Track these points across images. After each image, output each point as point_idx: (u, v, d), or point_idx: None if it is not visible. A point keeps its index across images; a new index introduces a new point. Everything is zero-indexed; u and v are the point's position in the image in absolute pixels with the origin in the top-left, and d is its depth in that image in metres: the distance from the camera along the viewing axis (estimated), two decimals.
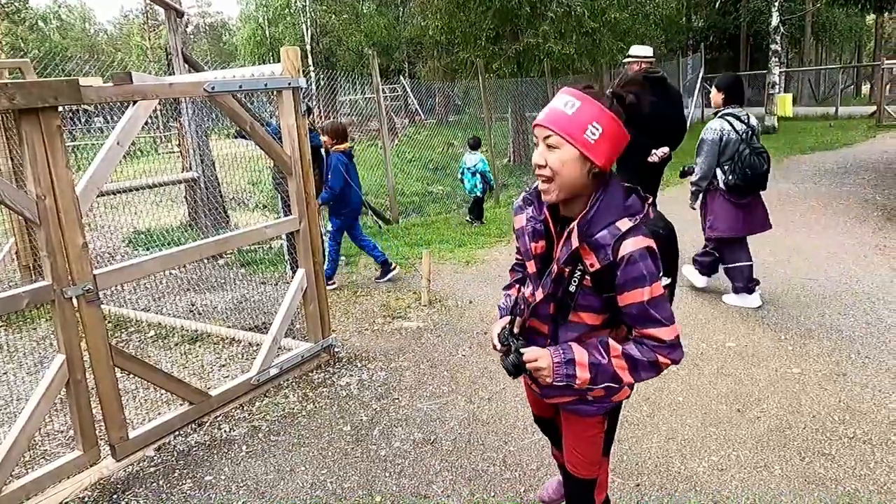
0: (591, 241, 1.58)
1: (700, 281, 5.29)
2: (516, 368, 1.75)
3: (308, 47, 32.66)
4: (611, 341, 1.67)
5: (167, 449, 3.25)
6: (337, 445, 3.22)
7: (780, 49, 18.36)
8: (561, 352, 1.68)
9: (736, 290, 4.93)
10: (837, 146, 14.33)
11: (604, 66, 16.36)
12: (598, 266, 1.58)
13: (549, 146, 1.55)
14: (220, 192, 10.62)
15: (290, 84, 3.71)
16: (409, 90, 23.90)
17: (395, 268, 6.10)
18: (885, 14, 30.23)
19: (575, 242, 1.59)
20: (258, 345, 4.19)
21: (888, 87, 18.43)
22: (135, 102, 3.01)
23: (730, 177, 4.60)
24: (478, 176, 8.73)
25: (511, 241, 7.44)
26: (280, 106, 3.75)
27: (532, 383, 1.94)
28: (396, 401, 3.65)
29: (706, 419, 3.31)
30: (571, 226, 1.61)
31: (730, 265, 4.90)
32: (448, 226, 8.83)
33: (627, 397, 1.91)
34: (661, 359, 1.64)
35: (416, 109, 23.01)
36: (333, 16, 32.52)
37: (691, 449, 3.05)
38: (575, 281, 1.63)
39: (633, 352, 1.64)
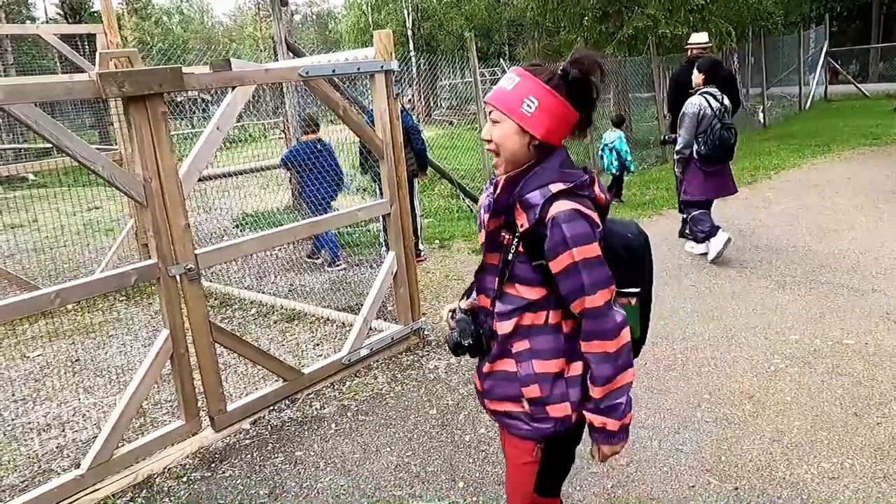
0: (523, 199, 1.55)
1: (699, 248, 5.79)
2: (456, 347, 1.75)
3: (409, 32, 33.04)
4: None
5: (262, 423, 3.38)
6: (422, 428, 3.24)
7: None
8: (600, 436, 1.60)
9: (696, 240, 5.73)
10: None
11: (713, 47, 15.45)
12: (527, 226, 1.53)
13: (492, 121, 1.59)
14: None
15: (382, 67, 3.72)
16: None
17: (342, 265, 6.21)
18: None
19: (506, 193, 1.58)
20: (351, 325, 4.28)
21: None
22: (233, 89, 3.11)
23: (702, 147, 5.23)
24: (613, 153, 8.56)
25: None
26: (373, 89, 3.77)
27: (477, 377, 1.81)
28: None
29: (817, 422, 3.05)
30: (500, 177, 1.63)
31: (690, 221, 5.63)
32: None
33: (570, 425, 1.62)
34: (598, 341, 1.52)
35: None
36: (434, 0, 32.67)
37: (798, 453, 2.82)
38: (512, 248, 1.58)
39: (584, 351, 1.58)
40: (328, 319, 4.80)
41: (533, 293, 1.60)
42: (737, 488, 2.62)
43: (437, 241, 6.99)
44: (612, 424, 1.56)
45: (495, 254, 1.63)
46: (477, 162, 10.94)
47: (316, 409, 3.50)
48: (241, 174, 7.02)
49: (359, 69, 3.62)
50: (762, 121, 15.83)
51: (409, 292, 4.15)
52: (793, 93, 18.90)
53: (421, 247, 6.44)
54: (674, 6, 13.65)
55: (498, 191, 1.62)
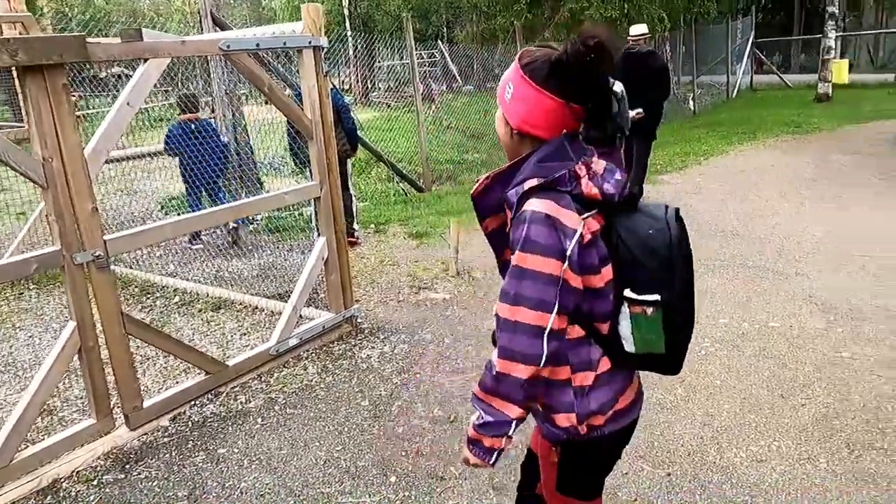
0: (506, 198, 1.44)
1: None
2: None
3: (346, 11, 32.32)
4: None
5: (182, 419, 3.19)
6: (354, 421, 3.12)
7: (837, 11, 17.37)
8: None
9: None
10: None
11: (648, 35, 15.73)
12: (510, 226, 1.44)
13: None
14: (252, 158, 10.59)
15: (310, 43, 3.53)
16: (447, 55, 23.45)
17: (199, 244, 6.19)
18: None
19: (497, 191, 1.48)
20: (280, 314, 4.10)
21: None
22: (146, 61, 2.88)
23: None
24: None
25: None
26: (301, 66, 3.58)
27: None
28: (417, 376, 3.53)
29: (745, 405, 3.09)
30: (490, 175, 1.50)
31: None
32: None
33: (581, 436, 1.48)
34: (495, 350, 1.39)
35: (455, 75, 22.57)
36: None
37: (728, 437, 2.85)
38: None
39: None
40: (256, 308, 4.59)
41: None
42: (669, 474, 2.62)
43: (372, 226, 6.83)
44: (469, 428, 1.45)
45: (506, 250, 1.49)
46: (414, 145, 10.79)
47: (241, 403, 3.33)
48: (158, 155, 6.65)
49: (285, 44, 3.42)
50: (692, 108, 16.25)
51: (342, 278, 4.00)
52: (721, 81, 19.47)
53: (356, 228, 6.28)
54: None
55: (480, 186, 1.51)
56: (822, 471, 2.60)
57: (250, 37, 3.33)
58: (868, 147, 10.07)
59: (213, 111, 9.33)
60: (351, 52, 23.16)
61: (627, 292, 1.38)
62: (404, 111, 14.94)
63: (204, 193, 6.24)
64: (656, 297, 1.36)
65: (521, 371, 1.35)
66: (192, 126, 5.92)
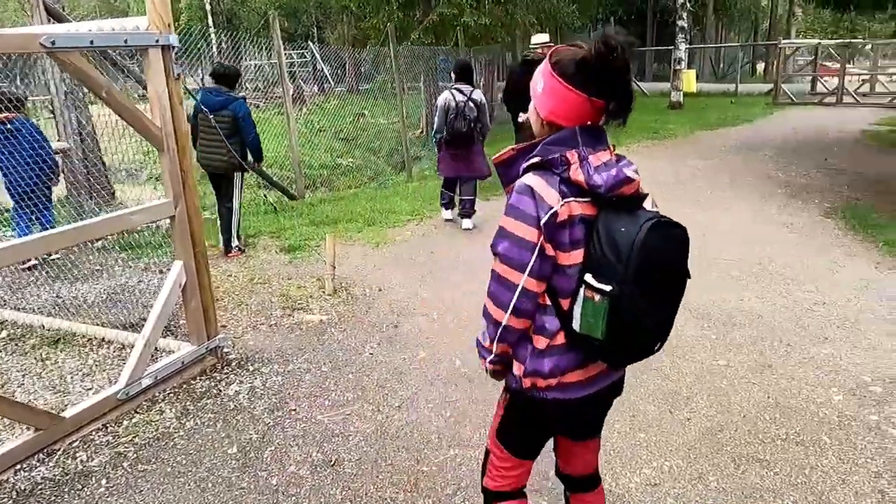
0: (520, 169, 1.63)
1: (447, 214, 6.87)
2: None
3: (208, 6, 30.63)
4: None
5: (5, 489, 2.65)
6: (220, 473, 2.74)
7: (686, 25, 18.70)
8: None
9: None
10: (739, 122, 14.75)
11: (518, 36, 16.08)
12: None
13: None
14: (102, 163, 9.62)
15: (157, 41, 3.09)
16: (318, 56, 22.82)
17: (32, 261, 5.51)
18: None
19: (510, 164, 1.69)
20: (133, 347, 3.59)
21: (782, 66, 19.22)
22: None
23: (445, 133, 6.17)
24: None
25: (422, 219, 7.03)
26: (146, 68, 3.13)
27: None
28: (293, 413, 3.19)
29: (635, 423, 3.05)
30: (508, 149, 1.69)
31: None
32: (357, 201, 8.30)
33: (523, 390, 1.66)
34: (486, 300, 1.64)
35: (326, 77, 22.01)
36: None
37: (622, 460, 2.78)
38: None
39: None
40: (104, 340, 4.02)
41: None
42: None
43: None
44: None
45: None
46: (285, 149, 10.27)
47: (81, 461, 2.83)
48: None
49: (126, 42, 2.96)
50: None
51: (203, 305, 3.57)
52: None
53: (236, 242, 5.81)
54: None
55: (504, 156, 1.69)
56: (712, 490, 2.58)
57: (83, 32, 2.84)
58: (718, 152, 10.82)
59: (52, 112, 8.35)
60: (215, 51, 22.02)
61: (588, 276, 1.50)
62: (274, 112, 14.27)
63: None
64: (608, 287, 1.47)
65: (497, 314, 1.60)
66: (7, 126, 5.12)
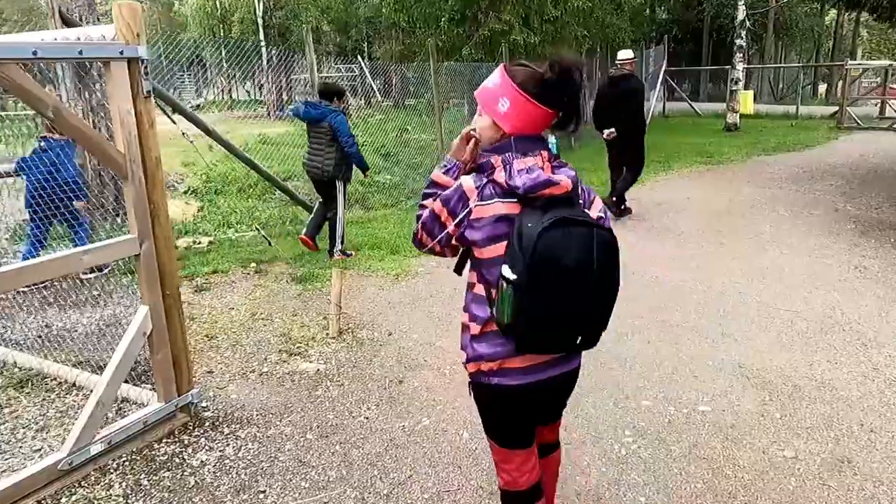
0: None
1: None
2: None
3: (260, 21, 31.03)
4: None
5: None
6: None
7: (744, 44, 17.79)
8: None
9: None
10: (800, 147, 13.80)
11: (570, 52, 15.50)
12: None
13: (478, 113, 1.82)
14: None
15: (122, 53, 2.65)
16: (366, 70, 22.83)
17: None
18: (845, 14, 30.20)
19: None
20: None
21: (848, 88, 18.09)
22: None
23: None
24: None
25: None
26: (108, 84, 2.69)
27: None
28: (261, 497, 2.67)
29: None
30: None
31: None
32: (385, 224, 7.84)
33: (475, 374, 1.85)
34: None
35: (373, 91, 21.98)
36: None
37: None
38: None
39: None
40: (75, 385, 3.60)
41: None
42: None
43: (253, 265, 5.91)
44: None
45: None
46: None
47: None
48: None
49: (81, 53, 2.53)
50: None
51: (174, 355, 3.10)
52: None
53: (339, 247, 6.07)
54: (528, 14, 13.50)
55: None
56: None
57: (24, 41, 2.42)
58: (778, 181, 9.99)
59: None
60: (265, 63, 22.34)
61: (503, 267, 1.65)
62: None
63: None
64: (514, 276, 1.62)
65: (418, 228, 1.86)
66: (41, 144, 4.99)
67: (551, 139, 8.91)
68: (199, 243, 6.97)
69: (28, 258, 4.64)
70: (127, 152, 2.74)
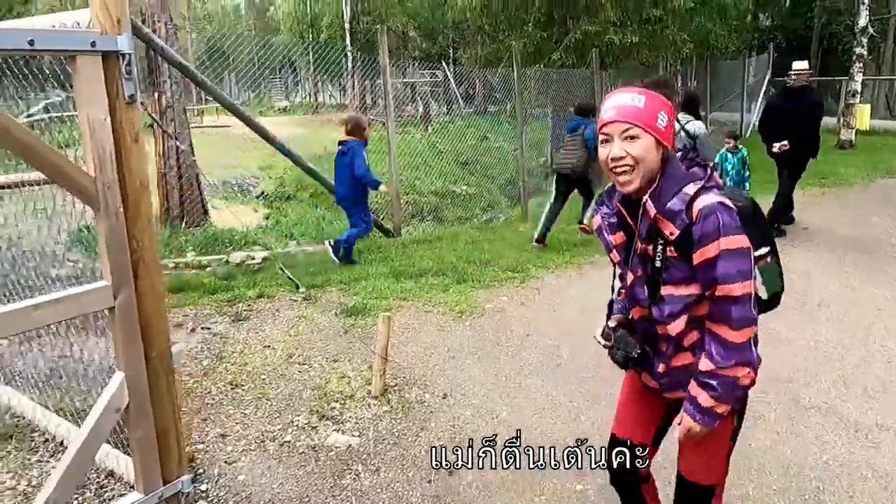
0: (665, 210, 1.69)
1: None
2: (626, 361, 1.86)
3: (347, 26, 31.18)
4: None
5: None
6: None
7: (865, 53, 15.97)
8: (689, 407, 1.76)
9: None
10: None
11: (667, 57, 14.23)
12: (677, 233, 1.67)
13: (628, 138, 1.69)
14: (197, 181, 9.29)
15: (94, 45, 2.00)
16: (450, 76, 22.40)
17: None
18: None
19: (652, 211, 1.70)
20: (109, 455, 2.53)
21: None
22: None
23: None
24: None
25: (525, 279, 5.67)
26: (76, 83, 2.03)
27: (646, 374, 1.91)
28: None
29: None
30: (644, 198, 1.72)
31: None
32: (456, 243, 7.08)
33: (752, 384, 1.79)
34: (729, 334, 1.68)
35: (457, 97, 21.54)
36: None
37: None
38: (658, 255, 1.73)
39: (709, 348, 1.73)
40: (62, 445, 3.00)
41: (690, 289, 1.72)
42: None
43: (302, 290, 5.26)
44: (703, 399, 1.71)
45: (638, 267, 1.80)
46: (386, 177, 9.28)
47: None
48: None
49: (31, 43, 1.87)
50: None
51: (159, 432, 2.42)
52: (734, 119, 18.11)
53: (585, 222, 7.17)
54: (627, 15, 12.55)
55: (643, 210, 1.73)
56: None
57: None
58: None
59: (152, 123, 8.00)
60: (350, 66, 22.46)
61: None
62: (401, 133, 13.44)
63: None
64: (767, 248, 1.93)
65: (750, 332, 1.73)
66: (342, 148, 5.99)
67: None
68: (253, 259, 6.42)
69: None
70: (99, 175, 2.07)
